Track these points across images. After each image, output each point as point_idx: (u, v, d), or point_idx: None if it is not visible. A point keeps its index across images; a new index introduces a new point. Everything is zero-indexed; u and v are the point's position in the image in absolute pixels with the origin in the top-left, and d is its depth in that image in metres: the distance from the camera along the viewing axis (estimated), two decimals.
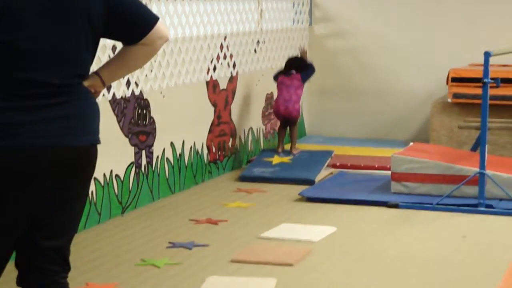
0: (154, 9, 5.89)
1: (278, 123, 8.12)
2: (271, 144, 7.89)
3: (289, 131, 7.43)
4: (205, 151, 6.79)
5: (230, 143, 7.19)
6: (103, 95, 5.33)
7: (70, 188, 2.81)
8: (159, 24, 2.91)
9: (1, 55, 2.68)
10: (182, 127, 6.43)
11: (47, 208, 2.79)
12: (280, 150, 7.30)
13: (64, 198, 2.81)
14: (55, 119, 2.73)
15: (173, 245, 5.04)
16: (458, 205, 5.82)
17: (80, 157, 2.80)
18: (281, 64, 8.11)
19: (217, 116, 6.97)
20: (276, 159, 7.06)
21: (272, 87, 7.93)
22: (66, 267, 2.90)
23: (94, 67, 2.98)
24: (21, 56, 2.69)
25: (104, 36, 2.87)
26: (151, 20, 2.90)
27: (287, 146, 7.41)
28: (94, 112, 2.86)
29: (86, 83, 2.85)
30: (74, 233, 2.94)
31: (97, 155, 2.87)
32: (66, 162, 2.76)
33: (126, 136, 5.74)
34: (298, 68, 7.42)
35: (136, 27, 2.88)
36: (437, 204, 5.84)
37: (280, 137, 7.42)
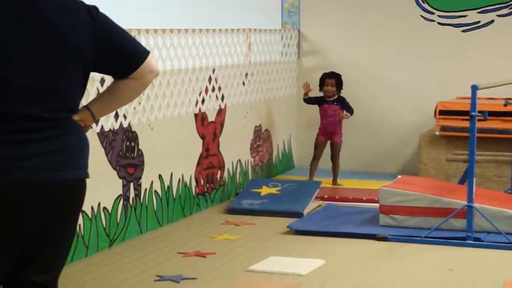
0: (143, 41, 5.90)
1: (267, 155, 8.15)
2: (259, 177, 7.89)
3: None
4: (193, 184, 6.78)
5: (218, 176, 7.18)
6: (91, 127, 5.32)
7: (58, 222, 2.80)
8: (150, 58, 2.91)
9: None
10: (170, 159, 6.42)
11: (36, 242, 2.78)
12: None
13: (53, 232, 2.79)
14: (44, 153, 2.72)
15: (161, 278, 5.01)
16: (447, 238, 5.82)
17: (69, 191, 2.79)
18: (269, 97, 8.16)
19: (206, 149, 6.97)
20: (264, 190, 7.05)
21: (260, 120, 7.95)
22: None
23: (83, 101, 2.98)
24: (10, 90, 2.69)
25: (94, 70, 2.87)
26: (142, 54, 2.91)
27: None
28: (83, 147, 2.85)
29: (76, 117, 2.85)
30: (62, 267, 2.92)
31: (86, 189, 2.86)
32: (54, 196, 2.75)
33: (114, 168, 5.73)
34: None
35: (127, 61, 2.88)
36: (426, 237, 5.83)
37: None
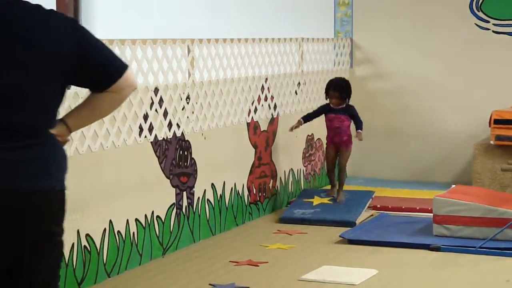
0: (196, 51, 5.93)
1: (319, 164, 8.12)
2: (312, 186, 7.88)
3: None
4: (246, 193, 6.79)
5: (270, 185, 7.18)
6: (145, 136, 5.36)
7: (36, 234, 2.72)
8: (128, 73, 2.88)
9: None
10: (223, 168, 6.45)
11: (20, 258, 2.71)
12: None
13: (32, 244, 2.72)
14: (17, 162, 2.67)
15: (214, 287, 5.03)
16: (502, 249, 5.75)
17: (42, 201, 2.72)
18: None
19: (258, 158, 6.98)
20: (316, 200, 7.04)
21: (312, 129, 7.94)
22: None
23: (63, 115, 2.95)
24: None
25: (72, 83, 2.84)
26: (121, 68, 2.87)
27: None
28: (58, 158, 2.80)
29: (52, 130, 2.80)
30: (50, 283, 2.81)
31: (63, 200, 2.79)
32: (29, 206, 2.69)
33: (168, 177, 5.76)
34: None
35: (105, 74, 2.85)
36: (480, 247, 5.77)
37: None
